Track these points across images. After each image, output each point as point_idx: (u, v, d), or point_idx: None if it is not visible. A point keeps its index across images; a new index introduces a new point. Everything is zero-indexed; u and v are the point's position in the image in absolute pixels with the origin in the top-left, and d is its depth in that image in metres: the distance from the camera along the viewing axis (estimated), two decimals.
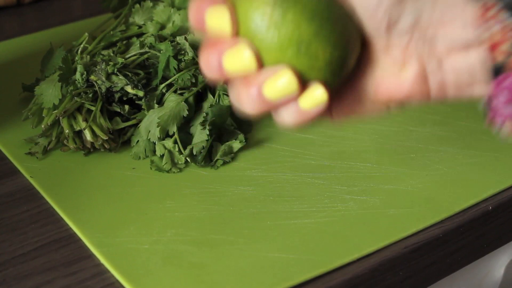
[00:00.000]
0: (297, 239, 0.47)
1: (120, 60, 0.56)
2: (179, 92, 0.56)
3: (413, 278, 0.49)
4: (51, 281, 0.45)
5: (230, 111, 0.56)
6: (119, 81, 0.56)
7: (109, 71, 0.56)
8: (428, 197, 0.51)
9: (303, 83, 0.34)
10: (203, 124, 0.55)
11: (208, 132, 0.54)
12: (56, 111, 0.55)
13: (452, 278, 0.53)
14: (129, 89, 0.56)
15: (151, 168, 0.54)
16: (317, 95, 0.34)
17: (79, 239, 0.48)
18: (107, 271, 0.46)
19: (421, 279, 0.49)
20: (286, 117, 0.35)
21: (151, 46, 0.58)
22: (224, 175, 0.53)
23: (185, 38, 0.57)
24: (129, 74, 0.56)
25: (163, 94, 0.56)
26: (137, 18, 0.63)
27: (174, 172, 0.54)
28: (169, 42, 0.56)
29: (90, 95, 0.55)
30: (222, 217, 0.49)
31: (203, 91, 0.57)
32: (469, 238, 0.51)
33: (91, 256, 0.47)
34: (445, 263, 0.50)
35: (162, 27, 0.61)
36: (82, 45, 0.60)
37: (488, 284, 0.61)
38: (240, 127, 0.57)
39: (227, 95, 0.56)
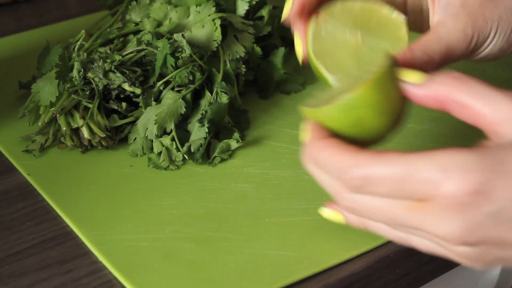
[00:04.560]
0: (295, 236, 0.47)
1: (117, 57, 0.56)
2: (176, 89, 0.56)
3: (410, 275, 0.49)
4: (47, 279, 0.45)
5: (227, 108, 0.56)
6: (117, 78, 0.55)
7: (106, 68, 0.55)
8: None
9: None
10: (201, 121, 0.55)
11: (206, 130, 0.54)
12: (53, 108, 0.55)
13: (449, 275, 0.53)
14: (126, 86, 0.56)
15: (148, 166, 0.54)
16: None
17: (76, 237, 0.48)
18: (104, 268, 0.46)
19: (418, 277, 0.49)
20: None
21: (148, 44, 0.57)
22: (221, 172, 0.53)
23: (182, 35, 0.57)
24: (127, 71, 0.56)
25: (160, 92, 0.56)
26: (134, 15, 0.63)
27: (171, 170, 0.54)
28: (166, 40, 0.56)
29: (87, 93, 0.55)
30: (220, 215, 0.49)
31: (200, 88, 0.57)
32: None
33: (87, 253, 0.47)
34: (443, 260, 0.50)
35: (159, 24, 0.61)
36: (79, 43, 0.60)
37: (485, 282, 0.61)
38: (237, 124, 0.57)
39: (225, 93, 0.56)
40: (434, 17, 0.48)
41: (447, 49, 0.46)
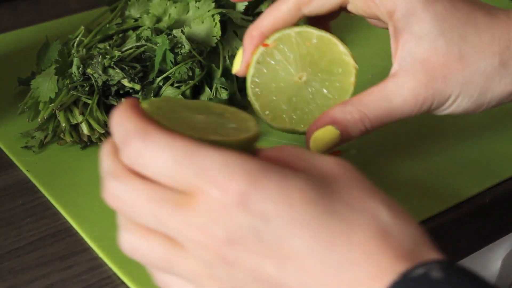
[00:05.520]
0: None
1: (116, 53, 0.56)
2: (176, 85, 0.56)
3: None
4: (46, 275, 0.45)
5: (227, 104, 0.56)
6: (116, 74, 0.55)
7: (106, 64, 0.55)
8: (425, 190, 0.51)
9: None
10: None
11: None
12: (52, 104, 0.55)
13: None
14: (125, 82, 0.55)
15: None
16: None
17: (75, 233, 0.48)
18: (103, 264, 0.46)
19: None
20: None
21: (148, 39, 0.57)
22: None
23: (182, 31, 0.57)
24: (126, 67, 0.56)
25: (159, 88, 0.56)
26: (133, 11, 0.63)
27: None
28: (166, 35, 0.56)
29: (87, 89, 0.55)
30: None
31: (200, 84, 0.57)
32: (465, 231, 0.51)
33: (87, 249, 0.47)
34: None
35: (158, 20, 0.61)
36: (78, 38, 0.60)
37: (485, 276, 0.61)
38: None
39: (225, 89, 0.56)
40: (393, 65, 0.44)
41: (389, 109, 0.42)
